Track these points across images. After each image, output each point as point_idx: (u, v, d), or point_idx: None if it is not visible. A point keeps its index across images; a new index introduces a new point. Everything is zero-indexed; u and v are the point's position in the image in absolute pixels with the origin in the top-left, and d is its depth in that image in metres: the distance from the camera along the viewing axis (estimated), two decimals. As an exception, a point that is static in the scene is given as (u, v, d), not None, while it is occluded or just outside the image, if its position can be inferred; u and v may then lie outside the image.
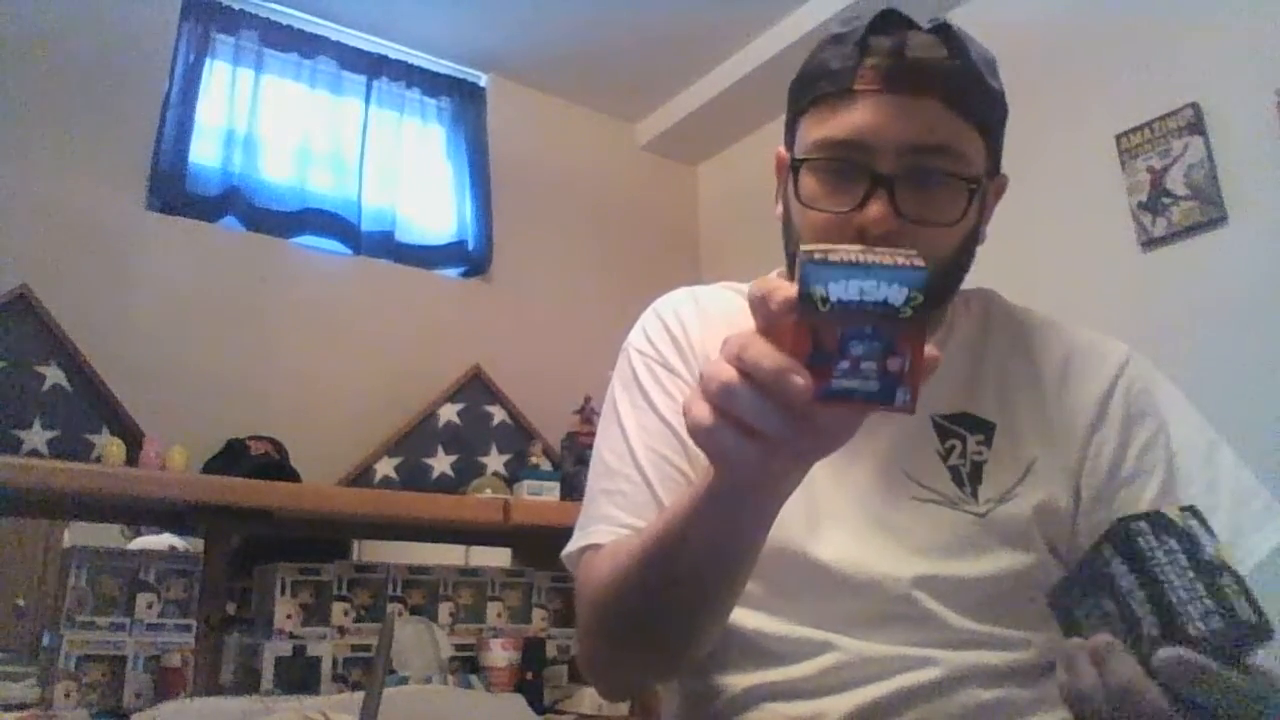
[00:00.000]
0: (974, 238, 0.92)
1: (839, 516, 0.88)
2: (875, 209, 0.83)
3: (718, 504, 0.65)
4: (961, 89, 0.86)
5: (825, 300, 0.48)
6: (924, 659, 0.82)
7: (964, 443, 0.91)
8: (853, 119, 0.85)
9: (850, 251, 0.49)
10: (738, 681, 0.87)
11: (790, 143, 0.95)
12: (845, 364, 0.49)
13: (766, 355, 0.50)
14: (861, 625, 0.84)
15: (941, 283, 0.91)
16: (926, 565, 0.85)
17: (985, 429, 0.92)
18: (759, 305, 0.52)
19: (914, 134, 0.84)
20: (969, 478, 0.90)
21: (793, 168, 0.91)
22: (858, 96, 0.85)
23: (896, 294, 0.48)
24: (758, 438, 0.52)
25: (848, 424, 0.54)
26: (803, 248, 0.51)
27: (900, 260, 0.49)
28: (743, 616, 0.87)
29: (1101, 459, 0.91)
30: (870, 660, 0.83)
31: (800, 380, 0.49)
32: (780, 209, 0.97)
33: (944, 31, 0.88)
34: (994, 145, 0.92)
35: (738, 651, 0.88)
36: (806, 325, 0.49)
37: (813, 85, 0.90)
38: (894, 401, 0.49)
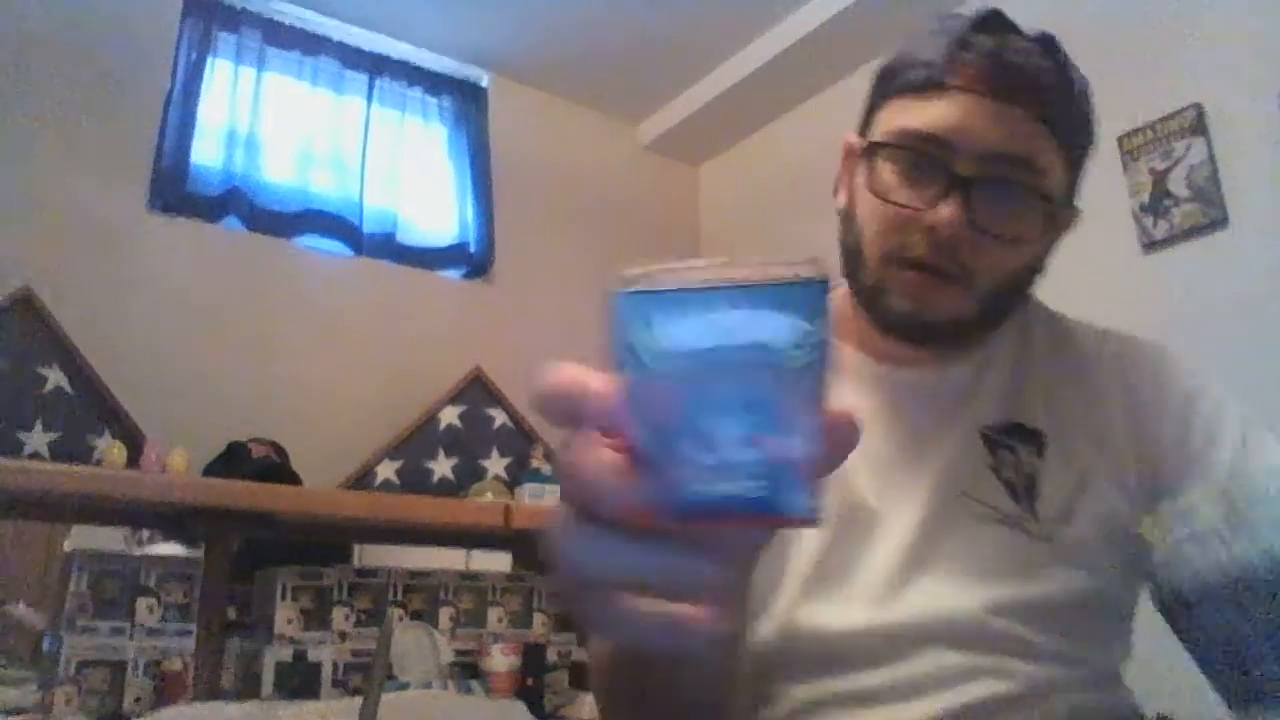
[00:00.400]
0: (1039, 263, 0.87)
1: (904, 541, 0.83)
2: (947, 211, 0.78)
3: (624, 676, 0.55)
4: (1057, 105, 0.82)
5: (658, 353, 0.32)
6: (1003, 669, 0.79)
7: (1015, 455, 0.86)
8: (940, 113, 0.81)
9: (697, 268, 0.32)
10: (800, 692, 0.81)
11: (865, 131, 0.89)
12: (704, 456, 0.32)
13: (571, 464, 0.35)
14: (936, 640, 0.80)
15: (996, 306, 0.84)
16: (996, 590, 0.81)
17: (1036, 440, 0.87)
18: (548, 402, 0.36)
19: (1001, 141, 0.79)
20: (1025, 492, 0.85)
21: (866, 153, 0.85)
22: (948, 92, 0.81)
23: (777, 329, 0.31)
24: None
25: (737, 548, 0.38)
26: (621, 275, 0.33)
27: (782, 272, 0.32)
28: (810, 613, 0.81)
29: (1163, 446, 0.85)
30: (947, 669, 0.79)
31: (615, 489, 0.34)
32: (842, 199, 0.91)
33: (1048, 44, 0.84)
34: (1075, 174, 0.86)
35: (801, 655, 0.81)
36: (632, 397, 0.32)
37: (902, 72, 0.85)
38: (792, 511, 0.33)
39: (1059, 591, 0.82)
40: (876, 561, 0.82)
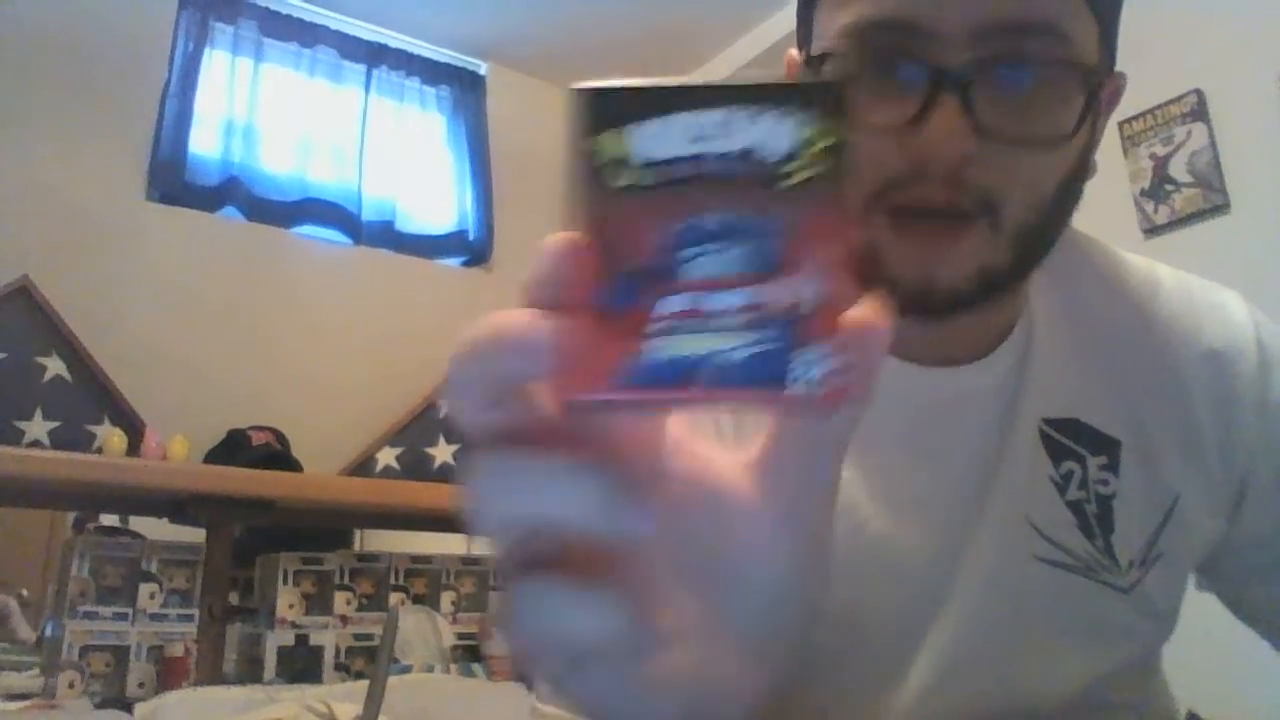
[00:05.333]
0: (1084, 165, 0.60)
1: (962, 599, 0.63)
2: (941, 122, 0.53)
3: None
4: None
5: (622, 162, 0.25)
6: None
7: (1084, 467, 0.64)
8: None
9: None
10: None
11: (806, 41, 0.62)
12: (674, 307, 0.25)
13: (488, 325, 0.28)
14: None
15: (1035, 241, 0.58)
16: (1073, 678, 0.64)
17: (1108, 448, 0.65)
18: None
19: (995, 6, 0.54)
20: (1098, 523, 0.63)
21: (809, 66, 0.60)
22: None
23: (775, 136, 0.25)
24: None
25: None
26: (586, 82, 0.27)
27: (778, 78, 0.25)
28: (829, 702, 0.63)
29: (1255, 455, 0.66)
30: None
31: (544, 337, 0.26)
32: None
33: None
34: (1109, 30, 0.61)
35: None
36: (593, 227, 0.26)
37: None
38: (779, 382, 0.25)
39: (1139, 651, 0.67)
40: (921, 629, 0.63)
